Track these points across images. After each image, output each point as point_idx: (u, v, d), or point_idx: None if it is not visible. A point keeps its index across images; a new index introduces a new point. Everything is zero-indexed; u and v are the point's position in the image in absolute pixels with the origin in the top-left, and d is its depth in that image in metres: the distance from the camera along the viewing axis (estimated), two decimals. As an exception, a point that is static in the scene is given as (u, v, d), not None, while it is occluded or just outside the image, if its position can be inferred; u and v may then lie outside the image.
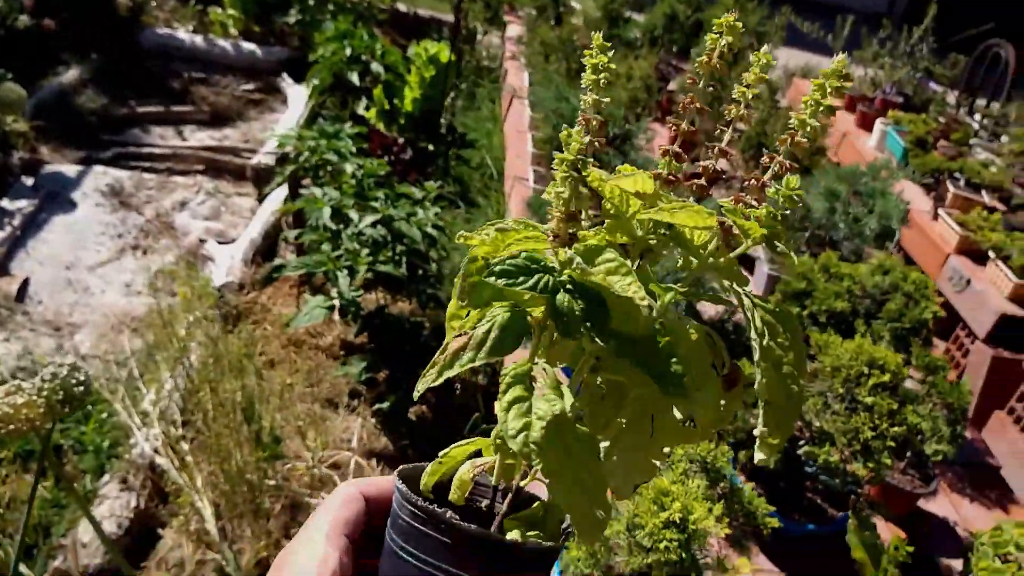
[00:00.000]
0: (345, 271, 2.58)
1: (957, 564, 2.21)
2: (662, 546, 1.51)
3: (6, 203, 3.76)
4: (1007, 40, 5.04)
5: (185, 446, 2.42)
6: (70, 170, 4.16)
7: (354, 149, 3.07)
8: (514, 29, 5.64)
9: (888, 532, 2.32)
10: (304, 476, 2.60)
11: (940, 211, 3.98)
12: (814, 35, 5.16)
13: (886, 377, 2.00)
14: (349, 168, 2.92)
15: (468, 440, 0.61)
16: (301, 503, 2.52)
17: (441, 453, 0.60)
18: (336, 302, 2.70)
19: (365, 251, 2.68)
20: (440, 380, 0.55)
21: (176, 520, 2.31)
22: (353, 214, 2.74)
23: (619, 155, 2.78)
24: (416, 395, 0.56)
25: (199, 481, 2.31)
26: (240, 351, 2.64)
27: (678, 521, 1.52)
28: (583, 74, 0.56)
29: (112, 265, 3.67)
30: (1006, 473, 2.89)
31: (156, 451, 2.40)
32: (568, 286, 0.54)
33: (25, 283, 3.45)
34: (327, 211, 2.70)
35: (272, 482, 2.47)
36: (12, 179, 3.92)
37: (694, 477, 1.74)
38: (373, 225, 2.75)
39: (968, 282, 3.66)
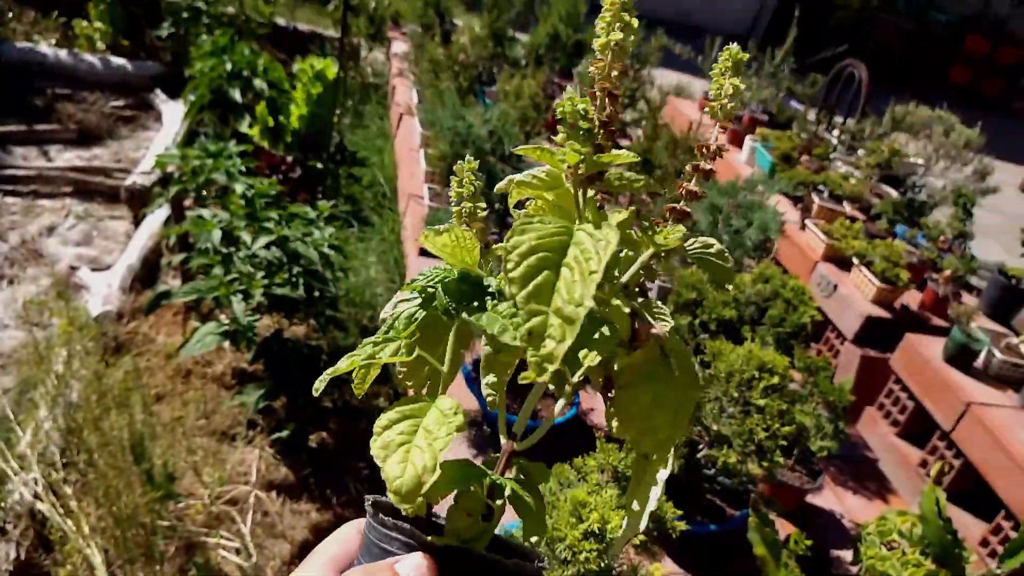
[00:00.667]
0: (239, 295, 2.50)
1: (846, 554, 2.36)
2: (582, 557, 1.55)
3: None
4: (860, 60, 5.46)
5: (69, 489, 2.27)
6: (-81, 195, 3.83)
7: (243, 168, 2.98)
8: (399, 46, 5.62)
9: (781, 528, 2.46)
10: (200, 515, 2.48)
11: (807, 221, 4.26)
12: (685, 56, 5.42)
13: (775, 379, 2.12)
14: (239, 188, 2.83)
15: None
16: (197, 543, 2.41)
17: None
18: (228, 328, 2.61)
19: (260, 274, 2.60)
20: (346, 367, 0.60)
21: (63, 571, 2.16)
22: (245, 235, 2.66)
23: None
24: (316, 391, 0.59)
25: (86, 526, 2.17)
26: (124, 384, 2.51)
27: (596, 531, 1.56)
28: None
29: (-27, 297, 3.40)
30: (883, 465, 3.11)
31: (36, 496, 2.23)
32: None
33: None
34: (217, 233, 2.60)
35: (166, 523, 2.35)
36: None
37: (607, 487, 1.79)
38: (267, 247, 2.67)
39: (835, 287, 3.93)
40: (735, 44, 0.62)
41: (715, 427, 2.18)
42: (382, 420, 0.56)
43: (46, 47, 5.29)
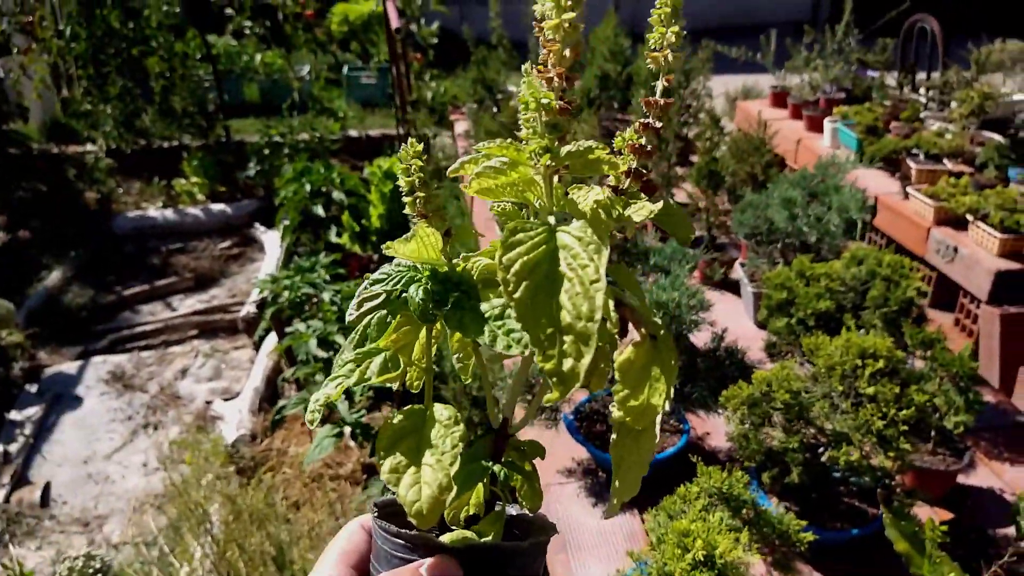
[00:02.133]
0: (343, 396, 2.61)
1: (1011, 531, 2.14)
2: (694, 588, 1.49)
3: (14, 414, 3.83)
4: (927, 12, 5.19)
5: (225, 609, 2.41)
6: (70, 367, 4.25)
7: (328, 277, 3.15)
8: (461, 125, 5.83)
9: (936, 516, 2.27)
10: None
11: (908, 189, 4.02)
12: (743, 58, 5.32)
13: (880, 364, 2.00)
14: (327, 296, 2.99)
15: None
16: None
17: None
18: (345, 428, 2.72)
19: (358, 372, 2.72)
20: (337, 395, 0.58)
21: None
22: (339, 338, 2.79)
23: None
24: (311, 423, 0.59)
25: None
26: (265, 500, 2.65)
27: (703, 559, 1.50)
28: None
29: (127, 449, 3.71)
30: (1042, 427, 2.83)
31: (198, 621, 2.38)
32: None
33: (47, 487, 3.48)
34: (313, 342, 2.75)
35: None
36: (16, 390, 4.00)
37: (714, 511, 1.73)
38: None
39: (956, 250, 3.67)
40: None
41: (829, 426, 2.07)
42: (383, 440, 0.55)
43: (154, 211, 5.84)
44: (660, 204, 0.60)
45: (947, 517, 2.27)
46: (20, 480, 3.51)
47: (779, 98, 5.63)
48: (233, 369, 4.22)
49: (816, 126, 5.17)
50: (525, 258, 0.50)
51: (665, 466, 2.38)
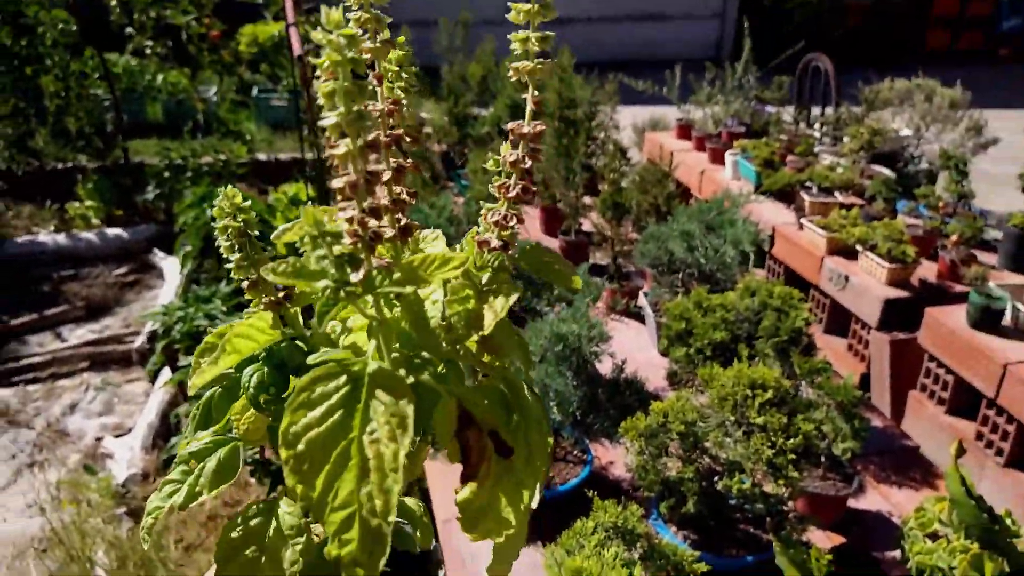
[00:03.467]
0: (237, 433, 2.52)
1: (897, 553, 2.23)
2: (585, 628, 1.49)
3: None
4: (827, 50, 5.46)
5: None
6: (-53, 403, 3.99)
7: (225, 309, 3.05)
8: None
9: (828, 541, 2.34)
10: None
11: (803, 220, 4.19)
12: (651, 91, 5.47)
13: (769, 394, 2.05)
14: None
15: None
16: None
17: None
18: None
19: (255, 407, 2.63)
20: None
21: None
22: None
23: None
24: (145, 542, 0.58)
25: None
26: (144, 548, 2.52)
27: (595, 598, 1.50)
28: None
29: (10, 490, 3.48)
30: (927, 451, 2.97)
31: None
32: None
33: (-86, 535, 3.23)
34: (207, 378, 2.65)
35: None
36: None
37: (610, 545, 1.73)
38: (259, 378, 2.70)
39: (847, 279, 3.83)
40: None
41: (723, 455, 2.11)
42: (220, 550, 0.54)
43: (45, 235, 5.55)
44: (514, 296, 0.56)
45: (839, 541, 2.35)
46: None
47: (684, 130, 5.81)
48: (126, 403, 4.03)
49: (718, 158, 5.35)
50: (315, 431, 0.43)
51: (569, 498, 2.39)
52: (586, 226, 4.03)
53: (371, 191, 0.48)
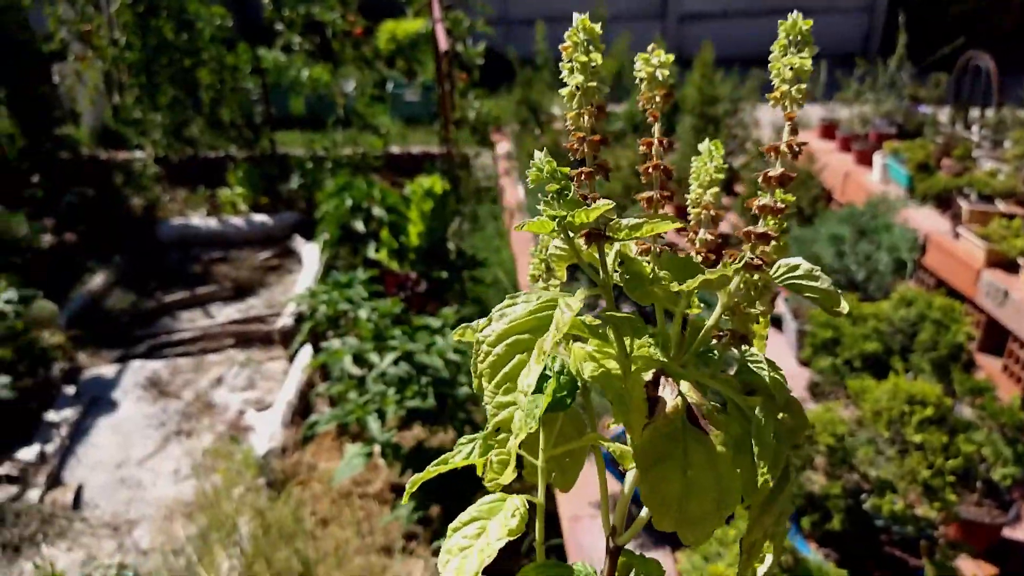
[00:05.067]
0: (375, 415, 2.60)
1: (1062, 593, 2.05)
2: (729, 638, 1.44)
3: (52, 415, 3.89)
4: (986, 48, 5.10)
5: (248, 625, 2.39)
6: (108, 371, 4.31)
7: (366, 294, 3.15)
8: (503, 146, 5.85)
9: (979, 571, 2.18)
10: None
11: (959, 229, 3.93)
12: (791, 88, 5.26)
13: (929, 411, 1.93)
14: (363, 313, 2.99)
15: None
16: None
17: None
18: (375, 447, 2.71)
19: (391, 391, 2.71)
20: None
21: None
22: (374, 357, 2.78)
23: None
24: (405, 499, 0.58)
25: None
26: (288, 517, 2.64)
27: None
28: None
29: (159, 455, 3.73)
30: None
31: (220, 636, 2.37)
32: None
33: (79, 490, 3.52)
34: (348, 359, 2.75)
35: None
36: (55, 391, 4.06)
37: (753, 557, 1.68)
38: (395, 363, 2.78)
39: (1006, 293, 3.56)
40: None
41: (874, 472, 2.00)
42: (455, 523, 0.54)
43: (197, 219, 5.93)
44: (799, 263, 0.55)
45: (991, 572, 2.19)
46: (55, 481, 3.55)
47: (828, 130, 5.56)
48: (267, 380, 4.25)
49: (865, 160, 5.09)
50: (505, 328, 0.53)
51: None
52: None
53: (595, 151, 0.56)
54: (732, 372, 0.57)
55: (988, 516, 2.19)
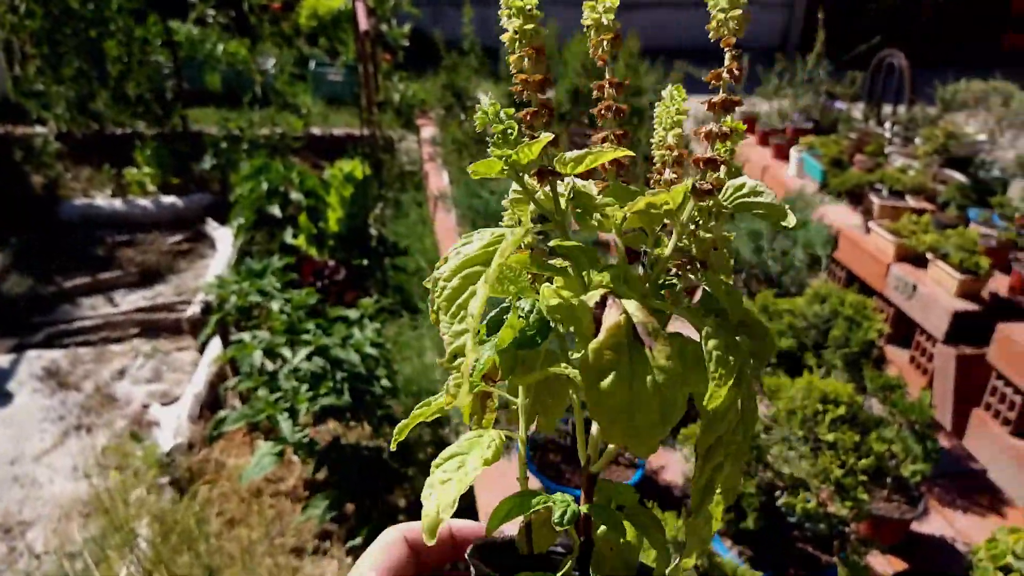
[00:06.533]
0: (286, 413, 2.49)
1: (963, 585, 2.12)
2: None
3: (-63, 409, 3.63)
4: (901, 46, 5.24)
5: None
6: (2, 361, 4.05)
7: (279, 285, 3.02)
8: (428, 130, 5.72)
9: (889, 566, 2.24)
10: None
11: (870, 224, 4.03)
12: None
13: (841, 410, 1.95)
14: (275, 305, 2.87)
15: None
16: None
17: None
18: (283, 447, 2.60)
19: (304, 387, 2.60)
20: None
21: None
22: (286, 351, 2.67)
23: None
24: (394, 445, 0.60)
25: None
26: (191, 520, 2.51)
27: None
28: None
29: (57, 451, 3.52)
30: (993, 475, 2.83)
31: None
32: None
33: (-34, 489, 3.29)
34: (257, 354, 2.63)
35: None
36: (-59, 383, 3.79)
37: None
38: (308, 358, 2.68)
39: (914, 288, 3.68)
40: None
41: (787, 470, 2.02)
42: (438, 459, 0.56)
43: (102, 199, 5.61)
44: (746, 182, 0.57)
45: (900, 567, 2.24)
46: (-62, 480, 3.31)
47: (748, 124, 5.64)
48: (175, 371, 4.05)
49: (783, 154, 5.18)
50: (458, 263, 0.57)
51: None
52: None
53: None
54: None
55: (897, 512, 2.24)
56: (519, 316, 0.56)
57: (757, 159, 5.18)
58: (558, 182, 0.58)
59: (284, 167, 4.39)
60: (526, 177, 0.58)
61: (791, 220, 0.57)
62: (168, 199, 5.58)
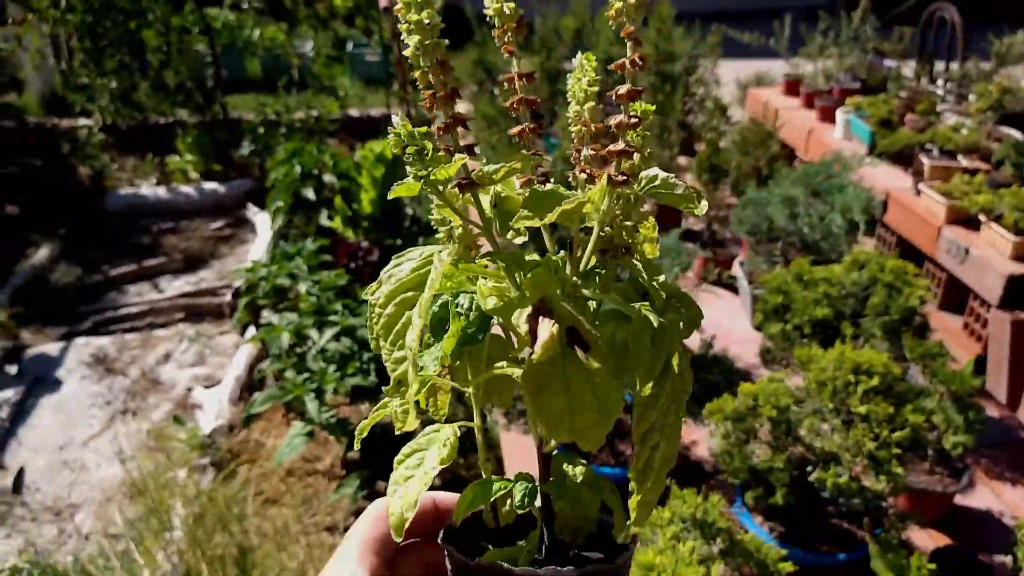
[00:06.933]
0: (312, 394, 2.50)
1: (1008, 559, 2.01)
2: (655, 631, 1.37)
3: (-9, 396, 3.76)
4: (947, 1, 4.98)
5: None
6: (52, 349, 4.17)
7: (306, 267, 3.03)
8: (462, 107, 5.68)
9: (931, 541, 2.14)
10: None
11: (920, 186, 3.85)
12: (756, 43, 5.13)
13: (875, 381, 1.86)
14: (303, 287, 2.87)
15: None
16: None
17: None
18: (313, 427, 2.61)
19: (332, 367, 2.60)
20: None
21: None
22: (313, 332, 2.67)
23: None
24: (357, 444, 0.61)
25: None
26: (227, 500, 2.55)
27: (667, 598, 1.38)
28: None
29: (104, 436, 3.62)
30: (1051, 444, 2.69)
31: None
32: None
33: (20, 473, 3.40)
34: (285, 336, 2.64)
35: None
36: (-5, 371, 3.93)
37: (687, 538, 1.60)
38: (337, 339, 2.68)
39: (967, 251, 3.51)
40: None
41: (819, 444, 1.94)
42: (399, 456, 0.59)
43: (146, 188, 5.72)
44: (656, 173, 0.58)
45: (943, 542, 2.15)
46: (-7, 465, 3.43)
47: (792, 86, 5.45)
48: (218, 355, 4.12)
49: (829, 116, 4.99)
50: (392, 288, 0.58)
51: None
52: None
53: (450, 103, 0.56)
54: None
55: (940, 485, 2.15)
56: (459, 313, 0.59)
57: (801, 122, 5.00)
58: (481, 191, 0.59)
59: (318, 150, 4.40)
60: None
61: (702, 208, 0.58)
62: (210, 186, 5.66)
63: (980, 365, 3.44)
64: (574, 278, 0.59)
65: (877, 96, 4.74)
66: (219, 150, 5.86)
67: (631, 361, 0.56)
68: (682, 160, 3.87)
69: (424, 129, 0.55)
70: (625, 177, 0.55)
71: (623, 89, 0.56)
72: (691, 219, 3.82)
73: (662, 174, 0.58)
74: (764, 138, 3.27)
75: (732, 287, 3.38)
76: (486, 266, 0.59)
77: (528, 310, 0.55)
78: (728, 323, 3.15)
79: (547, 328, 0.54)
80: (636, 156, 0.57)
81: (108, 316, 4.42)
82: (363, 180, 4.15)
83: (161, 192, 5.64)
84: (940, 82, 5.08)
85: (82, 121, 6.22)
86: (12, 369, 3.98)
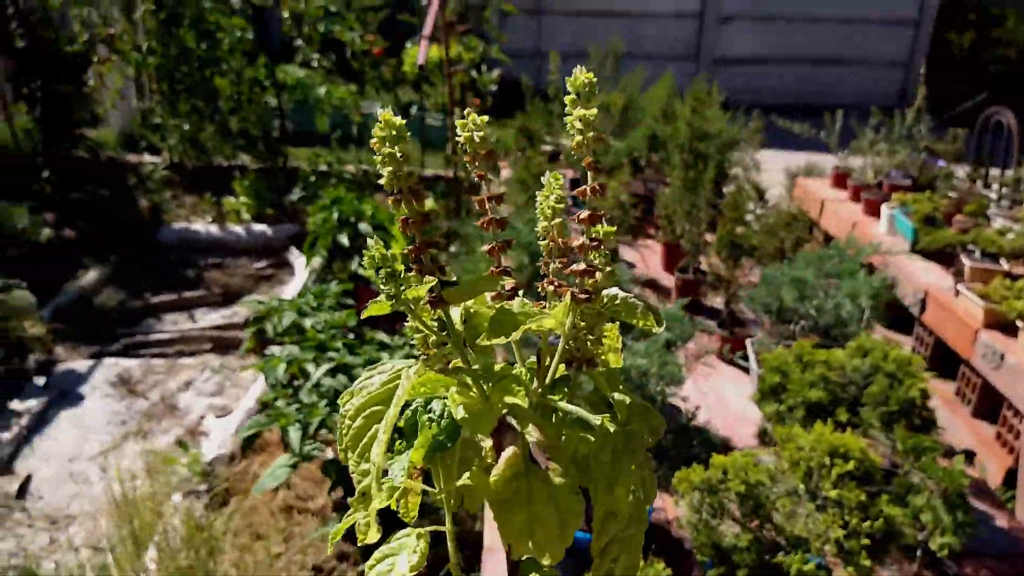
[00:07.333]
0: (297, 424, 2.51)
1: None
2: None
3: (16, 404, 3.88)
4: (1004, 105, 4.91)
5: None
6: (81, 366, 4.31)
7: (314, 305, 3.09)
8: (506, 172, 5.80)
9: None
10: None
11: (960, 286, 3.74)
12: (805, 135, 5.12)
13: (850, 465, 1.78)
14: (308, 323, 2.93)
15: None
16: None
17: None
18: (297, 460, 2.61)
19: (323, 402, 2.62)
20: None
21: None
22: (310, 367, 2.70)
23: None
24: (329, 549, 0.71)
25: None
26: (210, 528, 2.55)
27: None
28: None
29: (114, 453, 3.69)
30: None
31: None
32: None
33: (27, 480, 3.48)
34: (281, 367, 2.67)
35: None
36: (25, 381, 4.06)
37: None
38: (332, 375, 2.70)
39: (1002, 357, 3.36)
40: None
41: (788, 528, 1.85)
42: (371, 560, 0.62)
43: (199, 225, 5.96)
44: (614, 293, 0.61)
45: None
46: (4, 469, 3.52)
47: (840, 179, 5.40)
48: (237, 387, 4.19)
49: (874, 210, 4.92)
50: (362, 401, 0.63)
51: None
52: (703, 265, 3.78)
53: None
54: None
55: (923, 589, 2.01)
56: (430, 420, 0.61)
57: (846, 215, 4.93)
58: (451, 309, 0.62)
59: (358, 199, 4.53)
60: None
61: (660, 328, 0.61)
62: (259, 227, 5.86)
63: (1011, 478, 3.25)
64: (539, 389, 0.62)
65: (923, 193, 4.66)
66: (275, 195, 6.09)
67: (593, 474, 0.57)
68: (709, 237, 3.85)
69: (397, 251, 0.61)
70: (588, 295, 0.58)
71: (584, 214, 0.59)
72: (718, 298, 3.77)
73: (622, 293, 0.62)
74: (789, 220, 3.24)
75: (746, 368, 3.30)
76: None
77: (494, 423, 0.58)
78: (733, 402, 3.07)
79: (510, 448, 0.58)
80: (598, 275, 0.59)
81: (139, 340, 4.56)
82: (395, 231, 4.24)
83: (213, 229, 5.86)
84: (995, 186, 4.96)
85: (150, 157, 6.56)
86: (40, 380, 4.12)
